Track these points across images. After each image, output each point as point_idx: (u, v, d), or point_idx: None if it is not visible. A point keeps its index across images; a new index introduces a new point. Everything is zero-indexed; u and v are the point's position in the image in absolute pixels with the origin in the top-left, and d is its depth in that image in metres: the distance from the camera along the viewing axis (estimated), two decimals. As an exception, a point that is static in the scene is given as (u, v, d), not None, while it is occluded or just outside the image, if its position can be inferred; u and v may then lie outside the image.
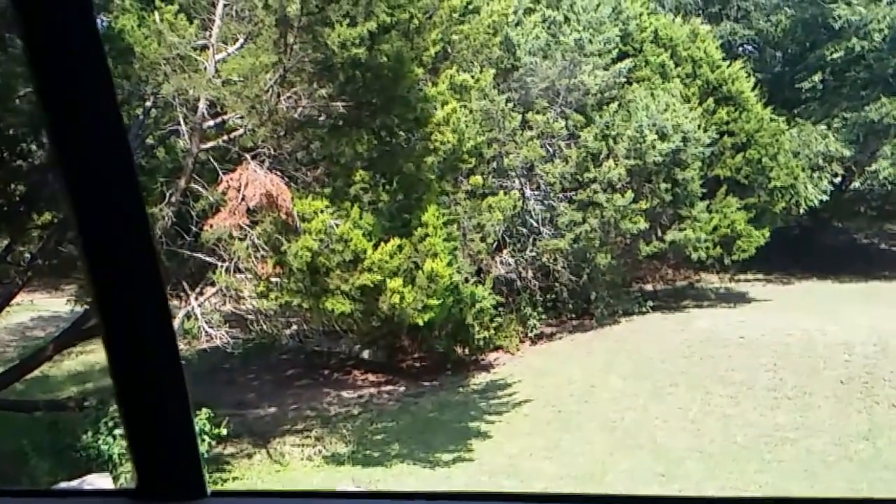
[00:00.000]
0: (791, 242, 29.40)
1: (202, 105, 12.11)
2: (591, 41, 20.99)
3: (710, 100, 24.14)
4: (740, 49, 31.02)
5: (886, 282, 27.80)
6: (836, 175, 28.49)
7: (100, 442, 11.84)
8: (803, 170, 26.55)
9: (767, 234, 24.14)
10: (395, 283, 13.32)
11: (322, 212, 12.73)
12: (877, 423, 15.04)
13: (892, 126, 27.37)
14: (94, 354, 17.42)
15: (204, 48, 12.30)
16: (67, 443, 12.12)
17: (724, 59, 25.31)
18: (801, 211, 26.55)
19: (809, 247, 30.52)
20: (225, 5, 12.44)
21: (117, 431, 11.76)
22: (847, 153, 27.98)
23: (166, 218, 11.68)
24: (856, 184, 30.05)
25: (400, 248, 13.51)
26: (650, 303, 23.41)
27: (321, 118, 13.25)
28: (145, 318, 1.06)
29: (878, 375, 16.87)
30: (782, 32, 30.05)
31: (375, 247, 13.20)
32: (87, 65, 1.00)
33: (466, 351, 20.13)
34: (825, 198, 27.52)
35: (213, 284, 12.46)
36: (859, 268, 29.15)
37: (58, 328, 16.94)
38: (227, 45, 12.53)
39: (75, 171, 1.01)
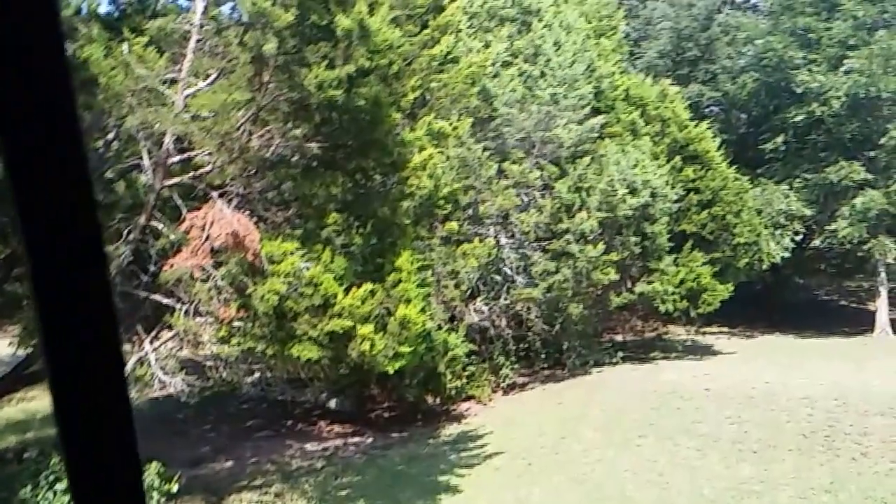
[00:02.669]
0: (754, 297, 28.81)
1: (168, 140, 10.87)
2: (565, 96, 20.32)
3: (678, 158, 23.74)
4: (707, 110, 30.81)
5: (846, 337, 27.28)
6: (797, 233, 28.06)
7: (40, 497, 10.25)
8: (766, 227, 26.24)
9: (731, 289, 23.66)
10: (366, 329, 12.06)
11: (292, 254, 11.49)
12: (839, 476, 14.35)
13: (851, 187, 27.05)
14: (36, 402, 15.59)
15: (173, 82, 11.11)
16: (3, 497, 10.51)
17: (691, 120, 25.07)
18: (764, 267, 26.09)
19: (772, 302, 30.00)
20: (198, 40, 11.31)
21: (59, 486, 10.21)
22: (808, 212, 27.69)
23: (122, 257, 10.31)
24: (816, 242, 29.64)
25: (372, 293, 12.28)
26: (620, 353, 22.62)
27: (294, 158, 12.10)
28: (96, 362, 0.96)
29: (839, 429, 16.30)
30: (747, 96, 29.90)
31: (347, 291, 11.96)
32: (52, 93, 0.91)
33: (437, 400, 18.86)
34: (787, 255, 27.19)
35: (170, 328, 11.05)
36: (819, 323, 28.69)
37: (-2, 372, 15.14)
38: (198, 79, 11.36)
39: (30, 202, 0.92)
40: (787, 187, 27.88)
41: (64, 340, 0.95)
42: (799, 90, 27.18)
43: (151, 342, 10.97)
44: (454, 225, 17.52)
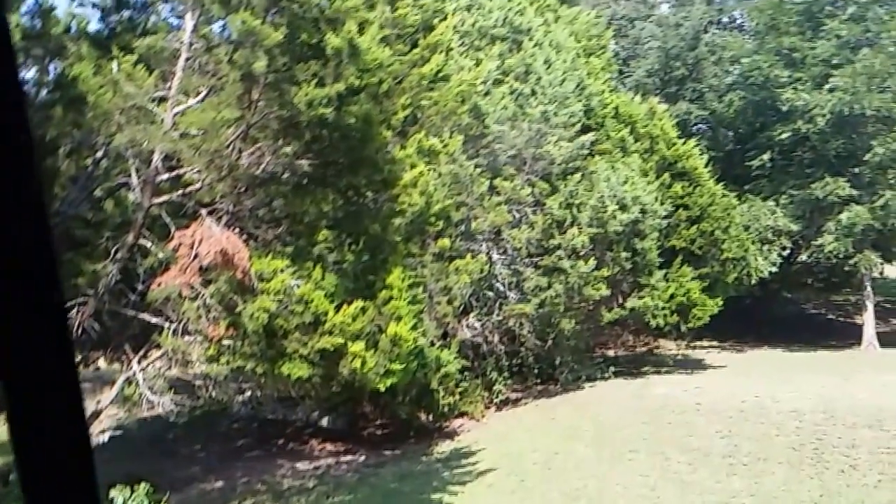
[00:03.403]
0: (743, 311, 28.57)
1: (157, 157, 10.57)
2: (556, 114, 20.15)
3: (667, 174, 23.58)
4: (695, 128, 30.83)
5: (833, 351, 27.09)
6: (784, 248, 27.96)
7: (23, 519, 9.81)
8: (753, 243, 26.07)
9: (721, 303, 23.46)
10: (357, 346, 11.72)
11: (282, 271, 11.16)
12: (828, 488, 14.12)
13: (836, 203, 26.92)
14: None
15: (162, 100, 10.84)
16: (-14, 521, 10.10)
17: (679, 137, 24.97)
18: (753, 281, 25.91)
19: (761, 316, 29.79)
20: (187, 58, 11.04)
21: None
22: (794, 228, 27.57)
23: (110, 275, 9.98)
24: (803, 257, 29.55)
25: (363, 310, 11.94)
26: (612, 368, 22.32)
27: (285, 176, 11.80)
28: (53, 396, 0.93)
29: (827, 442, 16.05)
30: (734, 114, 29.89)
31: (337, 309, 11.62)
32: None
33: (430, 417, 18.46)
34: (774, 269, 27.05)
35: (158, 347, 10.71)
36: (808, 337, 28.49)
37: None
38: (188, 97, 11.09)
39: None
40: (773, 203, 27.77)
41: (22, 375, 0.89)
42: (784, 108, 27.11)
43: (139, 361, 10.63)
44: (446, 241, 17.23)
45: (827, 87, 26.59)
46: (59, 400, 0.90)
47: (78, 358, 11.41)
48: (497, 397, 19.99)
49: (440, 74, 15.76)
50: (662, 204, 22.02)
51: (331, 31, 11.02)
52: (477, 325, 19.51)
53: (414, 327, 13.27)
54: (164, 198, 10.86)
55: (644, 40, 31.44)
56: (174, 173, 10.94)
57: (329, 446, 17.85)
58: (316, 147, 11.75)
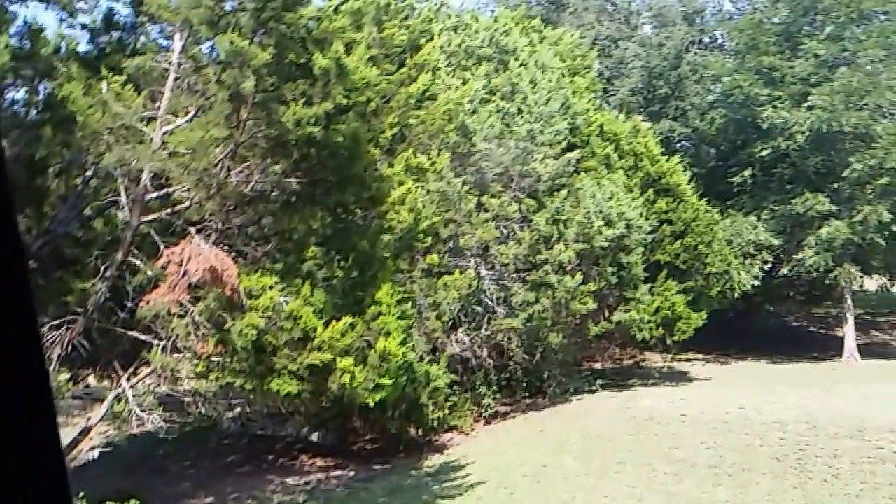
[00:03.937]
0: (727, 324, 28.47)
1: (145, 176, 10.50)
2: (542, 132, 20.18)
3: (651, 191, 23.59)
4: (678, 145, 30.82)
5: (815, 362, 27.04)
6: (766, 262, 27.95)
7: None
8: (736, 257, 26.08)
9: (705, 317, 23.39)
10: (346, 362, 11.63)
11: (271, 288, 11.08)
12: (812, 497, 14.06)
13: (816, 218, 26.96)
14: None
15: (151, 119, 10.78)
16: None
17: (663, 154, 24.98)
18: (736, 295, 25.88)
19: (744, 329, 29.74)
20: (176, 78, 11.00)
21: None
22: (776, 242, 27.54)
23: (100, 293, 9.87)
24: (784, 271, 29.56)
25: (352, 326, 11.87)
26: (599, 381, 22.11)
27: (274, 193, 11.75)
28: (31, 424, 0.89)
29: (810, 452, 15.94)
30: (716, 131, 30.00)
31: (326, 325, 11.55)
32: None
33: (420, 432, 18.29)
34: (757, 283, 27.01)
35: (147, 364, 10.58)
36: (790, 349, 28.41)
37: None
38: (176, 117, 11.04)
39: None
40: (755, 218, 27.72)
41: None
42: (765, 125, 27.16)
43: (129, 378, 10.49)
44: (435, 258, 17.20)
45: (806, 104, 26.71)
46: (34, 415, 0.85)
47: (68, 375, 11.26)
48: (486, 411, 19.82)
49: (427, 93, 15.79)
50: (647, 219, 22.02)
51: (318, 51, 11.02)
52: (466, 339, 19.40)
53: (403, 342, 13.18)
54: (153, 216, 10.78)
55: (628, 60, 31.61)
56: (163, 192, 10.87)
57: (319, 461, 17.65)
58: (304, 165, 11.72)
